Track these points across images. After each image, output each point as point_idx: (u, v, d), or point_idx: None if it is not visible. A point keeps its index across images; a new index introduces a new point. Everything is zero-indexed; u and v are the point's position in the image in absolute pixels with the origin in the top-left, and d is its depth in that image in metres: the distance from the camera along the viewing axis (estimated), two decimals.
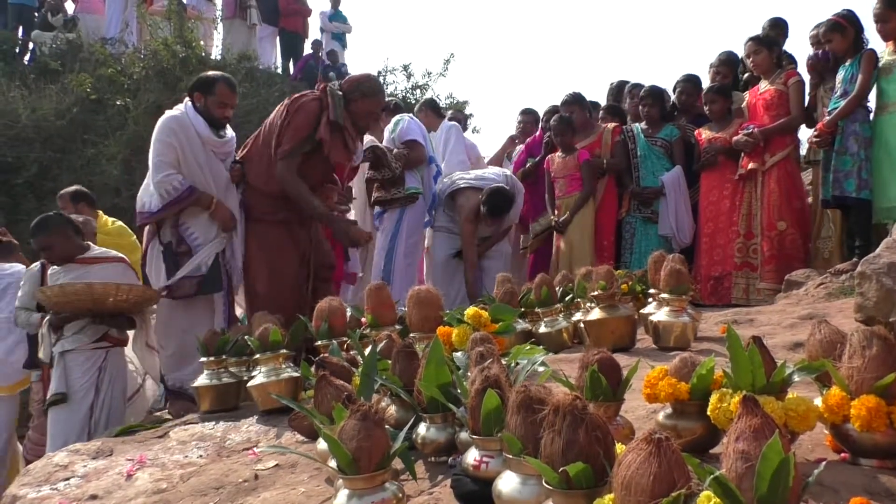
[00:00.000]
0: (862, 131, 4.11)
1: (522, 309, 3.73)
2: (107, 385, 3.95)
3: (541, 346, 2.34)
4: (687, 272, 3.11)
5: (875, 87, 4.15)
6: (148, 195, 3.93)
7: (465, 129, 6.78)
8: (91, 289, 3.72)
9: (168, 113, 4.01)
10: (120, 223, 5.38)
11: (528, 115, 6.47)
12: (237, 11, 11.06)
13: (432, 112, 6.29)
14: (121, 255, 4.08)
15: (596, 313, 3.08)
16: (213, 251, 3.95)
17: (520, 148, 6.25)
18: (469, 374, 1.80)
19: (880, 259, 2.84)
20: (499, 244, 5.33)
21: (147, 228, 4.05)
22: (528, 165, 5.80)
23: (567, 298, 3.79)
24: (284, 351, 2.71)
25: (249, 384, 2.70)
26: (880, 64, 4.14)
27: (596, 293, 3.09)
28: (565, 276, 3.99)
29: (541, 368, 2.01)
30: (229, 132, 4.16)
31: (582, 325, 3.20)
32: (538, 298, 3.52)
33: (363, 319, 2.91)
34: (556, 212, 5.37)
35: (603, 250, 5.29)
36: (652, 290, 3.58)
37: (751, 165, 4.79)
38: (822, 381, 1.67)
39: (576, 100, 5.51)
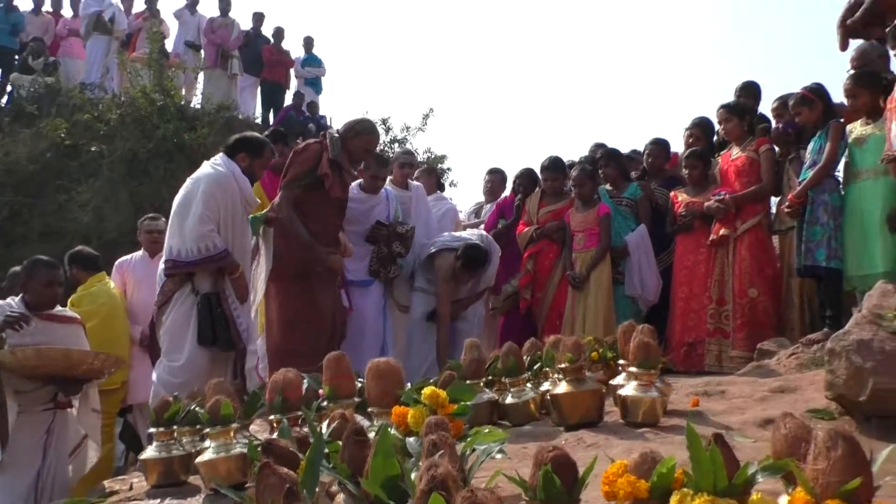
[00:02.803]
0: (831, 201, 4.13)
1: (489, 377, 3.66)
2: (54, 449, 3.82)
3: (500, 429, 2.24)
4: (656, 345, 3.05)
5: (846, 157, 4.19)
6: (181, 242, 3.94)
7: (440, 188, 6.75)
8: (69, 356, 3.63)
9: (214, 168, 4.07)
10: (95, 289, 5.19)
11: (496, 175, 6.48)
12: (218, 61, 11.08)
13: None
14: (76, 315, 3.96)
15: (563, 387, 3.00)
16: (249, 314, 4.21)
17: (489, 208, 6.23)
18: (420, 463, 1.71)
19: (849, 336, 2.81)
20: (474, 306, 5.26)
21: (171, 277, 4.05)
22: (499, 227, 5.77)
23: (535, 367, 3.73)
24: (236, 425, 2.59)
25: (198, 460, 2.58)
26: (853, 135, 4.19)
27: (563, 366, 3.02)
28: (534, 345, 3.92)
29: (498, 456, 1.92)
30: None
31: (549, 397, 3.12)
32: (505, 367, 3.44)
33: (321, 391, 2.81)
34: (572, 266, 5.25)
35: None
36: (622, 361, 3.51)
37: (722, 231, 4.80)
38: (787, 479, 1.60)
39: (557, 166, 5.52)
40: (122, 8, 11.45)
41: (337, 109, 30.40)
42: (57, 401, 3.85)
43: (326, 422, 2.32)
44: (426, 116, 11.65)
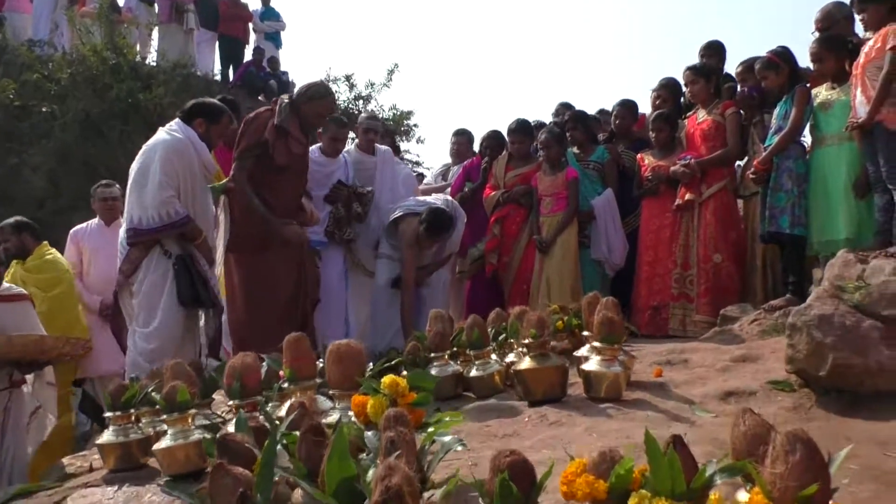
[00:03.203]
0: (796, 168, 4.11)
1: (454, 349, 3.64)
2: (11, 429, 3.74)
3: (459, 413, 2.21)
4: (620, 320, 3.03)
5: (811, 121, 4.16)
6: (141, 210, 3.87)
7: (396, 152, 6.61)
8: (42, 343, 3.58)
9: (170, 134, 3.98)
10: (49, 257, 5.04)
11: (462, 136, 6.37)
12: (173, 15, 10.65)
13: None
14: (24, 291, 3.83)
15: (527, 362, 2.98)
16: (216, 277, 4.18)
17: (456, 170, 6.14)
18: (378, 461, 1.67)
19: (811, 310, 2.81)
20: (438, 272, 5.20)
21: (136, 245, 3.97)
22: (465, 190, 5.69)
23: (500, 339, 3.72)
24: (193, 411, 2.52)
25: (155, 447, 2.51)
26: (818, 100, 4.16)
27: (527, 341, 2.99)
28: (499, 315, 3.90)
29: (458, 448, 1.89)
30: None
31: (513, 372, 3.10)
32: (470, 340, 3.41)
33: (281, 373, 2.75)
34: (539, 230, 5.20)
35: None
36: (586, 333, 3.51)
37: (687, 196, 4.78)
38: (746, 477, 1.59)
39: (523, 129, 5.43)
40: None
41: (298, 65, 29.63)
42: (12, 380, 3.77)
43: (286, 408, 2.27)
44: (391, 72, 11.42)
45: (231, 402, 2.49)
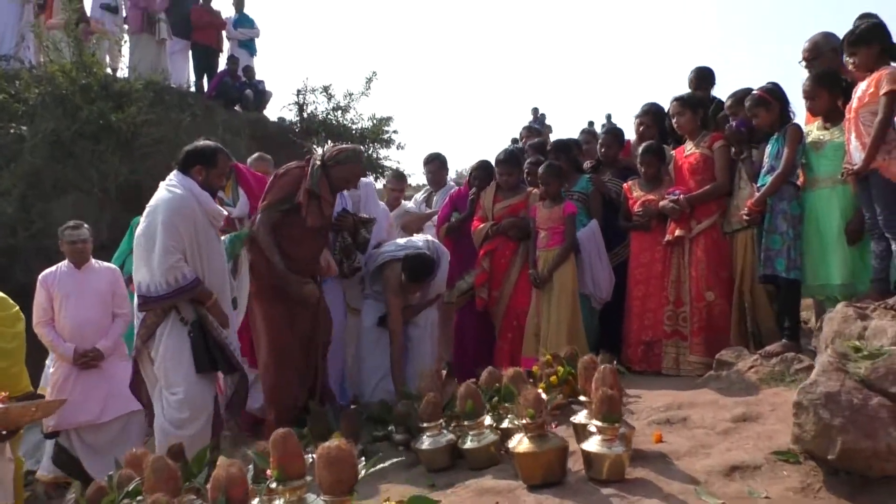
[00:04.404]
0: (790, 209, 4.03)
1: (448, 414, 3.53)
2: None
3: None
4: (619, 398, 2.93)
5: (804, 163, 4.07)
6: (150, 277, 3.82)
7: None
8: (7, 414, 3.41)
9: (170, 191, 3.91)
10: (1, 294, 4.86)
11: (434, 163, 6.29)
12: (144, 26, 10.34)
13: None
14: None
15: (525, 444, 2.87)
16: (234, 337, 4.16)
17: (440, 198, 6.02)
18: None
19: (817, 387, 2.72)
20: (426, 312, 5.08)
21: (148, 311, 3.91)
22: (452, 220, 5.57)
23: (494, 401, 3.61)
24: None
25: None
26: (809, 139, 4.07)
27: (524, 422, 2.88)
28: (492, 375, 3.79)
29: None
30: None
31: (511, 452, 2.98)
32: (463, 411, 3.30)
33: (268, 472, 2.62)
34: (535, 265, 5.02)
35: None
36: (582, 399, 3.41)
37: (677, 232, 4.69)
38: None
39: (512, 160, 5.30)
40: None
41: (274, 73, 29.31)
42: None
43: None
44: (369, 80, 11.21)
45: None
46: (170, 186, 3.92)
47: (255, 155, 5.90)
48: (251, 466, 2.77)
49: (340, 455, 2.42)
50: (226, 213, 4.32)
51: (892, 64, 3.66)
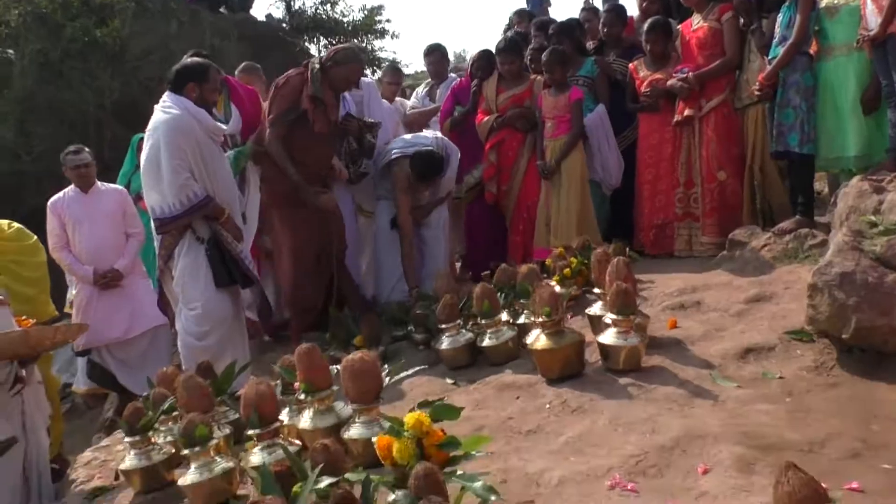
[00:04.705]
0: (803, 81, 3.90)
1: (465, 314, 3.59)
2: (30, 428, 3.73)
3: (487, 440, 2.17)
4: (633, 291, 2.95)
5: (817, 29, 3.90)
6: (161, 199, 3.81)
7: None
8: (27, 337, 3.44)
9: (166, 112, 3.85)
10: (17, 226, 4.90)
11: (434, 54, 6.07)
12: None
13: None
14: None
15: (543, 341, 2.93)
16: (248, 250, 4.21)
17: (442, 91, 5.87)
18: None
19: (832, 268, 2.72)
20: (438, 210, 5.05)
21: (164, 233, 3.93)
22: (456, 114, 5.44)
23: (510, 298, 3.65)
24: (214, 442, 2.49)
25: (180, 482, 2.50)
26: (822, 4, 3.88)
27: (541, 320, 2.92)
28: (505, 272, 3.81)
29: (493, 498, 1.85)
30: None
31: (529, 348, 3.05)
32: (480, 310, 3.35)
33: (295, 385, 2.70)
34: (543, 155, 4.93)
35: None
36: (596, 290, 3.44)
37: (686, 112, 4.58)
38: None
39: (512, 48, 5.10)
40: None
41: None
42: (18, 378, 3.73)
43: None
44: None
45: (251, 432, 2.44)
46: (165, 108, 3.85)
47: (243, 65, 5.73)
48: (279, 382, 2.84)
49: (364, 367, 2.48)
50: (224, 127, 4.24)
51: None
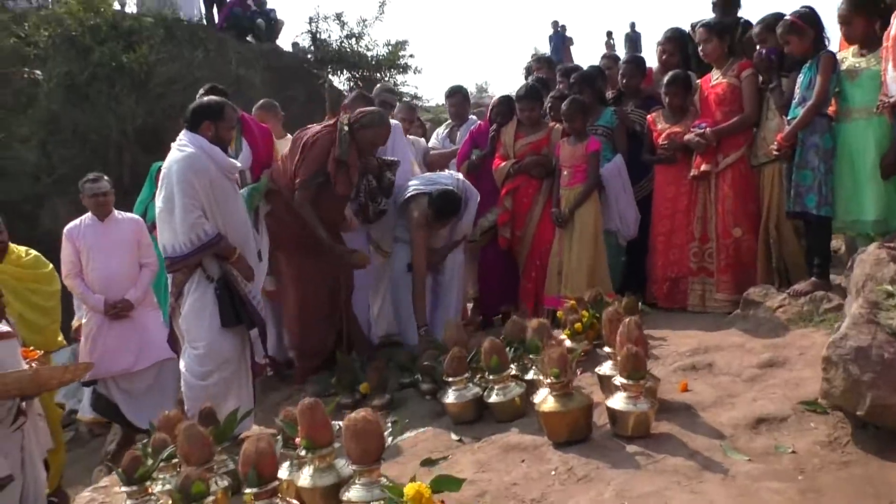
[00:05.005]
0: (822, 143, 3.86)
1: (473, 366, 3.55)
2: (28, 464, 3.70)
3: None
4: (644, 355, 2.90)
5: (838, 91, 3.88)
6: (173, 238, 3.82)
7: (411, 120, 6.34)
8: (38, 377, 3.45)
9: (181, 150, 3.87)
10: (35, 253, 4.93)
11: (457, 96, 6.12)
12: None
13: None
14: (7, 328, 3.68)
15: (550, 403, 2.88)
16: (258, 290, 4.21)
17: (462, 133, 5.89)
18: None
19: (847, 342, 2.67)
20: (452, 255, 5.03)
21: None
22: (473, 158, 5.45)
23: (518, 353, 3.62)
24: (211, 499, 2.46)
25: None
26: (844, 66, 3.87)
27: (549, 381, 2.88)
28: (515, 325, 3.78)
29: None
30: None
31: (536, 410, 3.00)
32: (488, 366, 3.31)
33: (297, 440, 2.67)
34: (558, 203, 4.93)
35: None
36: (607, 349, 3.39)
37: (703, 167, 4.56)
38: None
39: (532, 95, 5.12)
40: None
41: (285, 3, 28.35)
42: (20, 411, 3.72)
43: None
44: (382, 4, 10.83)
45: (248, 491, 2.41)
46: (180, 146, 3.88)
47: (261, 102, 5.79)
48: (279, 437, 2.81)
49: (367, 427, 2.45)
50: (239, 165, 4.26)
51: None
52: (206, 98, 4.20)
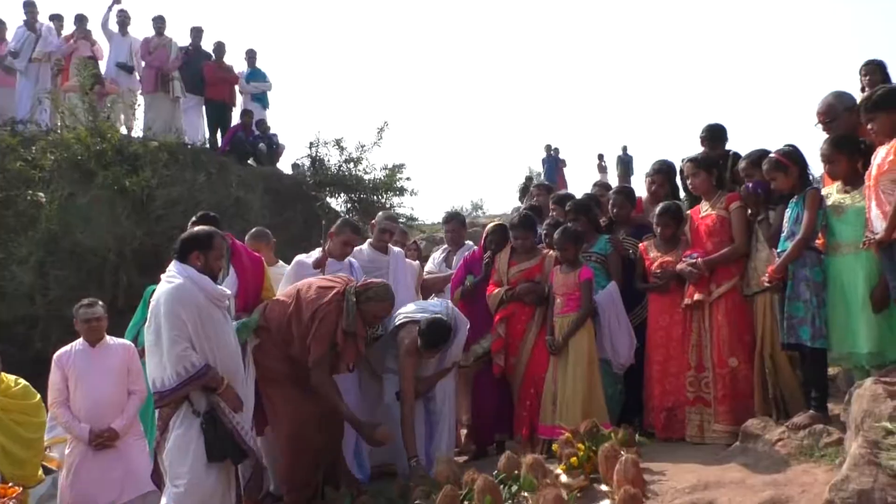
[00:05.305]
0: (813, 276, 3.91)
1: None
2: None
3: None
4: (642, 497, 2.83)
5: (825, 225, 3.97)
6: (161, 372, 3.82)
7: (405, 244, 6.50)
8: None
9: (169, 282, 3.90)
10: (24, 383, 4.87)
11: (454, 222, 6.28)
12: (159, 85, 10.49)
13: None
14: None
15: None
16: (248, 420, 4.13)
17: (457, 258, 5.97)
18: None
19: (848, 484, 2.62)
20: (442, 384, 4.99)
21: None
22: (467, 284, 5.50)
23: (513, 490, 3.52)
24: None
25: None
26: (830, 201, 3.97)
27: None
28: (510, 461, 3.69)
29: None
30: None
31: None
32: None
33: None
34: (552, 331, 4.93)
35: None
36: (604, 487, 3.31)
37: (696, 296, 4.59)
38: None
39: (526, 224, 5.24)
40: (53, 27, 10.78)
41: (287, 126, 30.15)
42: None
43: None
44: (381, 130, 11.23)
45: None
46: (169, 278, 3.93)
47: (253, 231, 5.93)
48: None
49: None
50: (229, 292, 4.27)
51: None
52: (195, 229, 4.26)
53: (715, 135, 5.17)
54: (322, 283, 4.71)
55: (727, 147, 5.38)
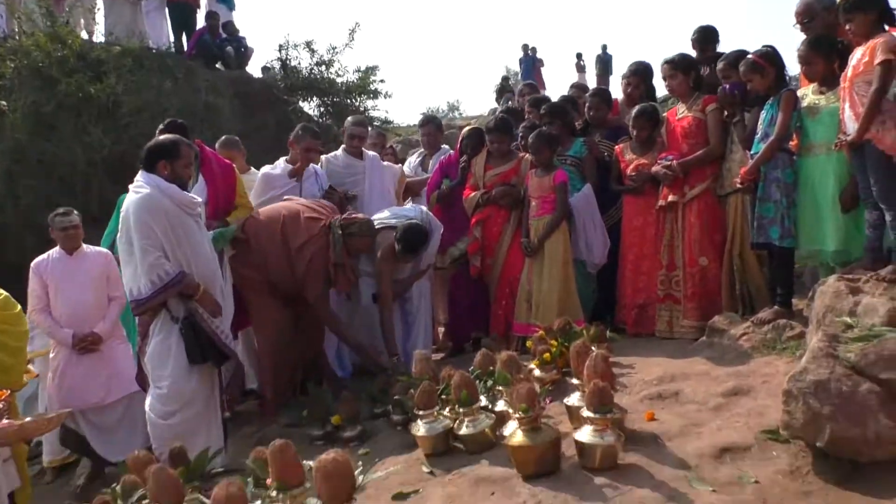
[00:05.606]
0: (784, 177, 3.98)
1: (442, 397, 3.57)
2: None
3: None
4: (610, 389, 2.95)
5: (799, 126, 4.01)
6: (135, 281, 3.83)
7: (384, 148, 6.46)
8: (23, 430, 3.49)
9: (136, 192, 3.86)
10: (4, 294, 4.85)
11: (430, 125, 6.22)
12: None
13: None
14: None
15: (519, 437, 2.91)
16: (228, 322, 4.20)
17: (434, 161, 5.96)
18: None
19: (806, 375, 2.73)
20: (418, 285, 5.09)
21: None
22: (443, 187, 5.52)
23: (488, 384, 3.65)
24: None
25: None
26: (805, 102, 3.99)
27: (518, 416, 2.91)
28: (486, 358, 3.81)
29: None
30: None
31: (505, 444, 3.03)
32: (458, 399, 3.34)
33: (268, 481, 2.66)
34: (527, 233, 5.00)
35: None
36: (575, 381, 3.44)
37: (670, 198, 4.66)
38: None
39: (503, 127, 5.21)
40: None
41: (253, 29, 28.79)
42: None
43: None
44: (352, 31, 10.89)
45: None
46: (136, 188, 3.89)
47: (223, 139, 5.83)
48: (250, 479, 2.80)
49: (337, 468, 2.46)
50: (199, 199, 4.22)
51: (888, 30, 3.55)
52: (160, 137, 4.18)
53: (707, 37, 5.09)
54: (309, 214, 4.73)
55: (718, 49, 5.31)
